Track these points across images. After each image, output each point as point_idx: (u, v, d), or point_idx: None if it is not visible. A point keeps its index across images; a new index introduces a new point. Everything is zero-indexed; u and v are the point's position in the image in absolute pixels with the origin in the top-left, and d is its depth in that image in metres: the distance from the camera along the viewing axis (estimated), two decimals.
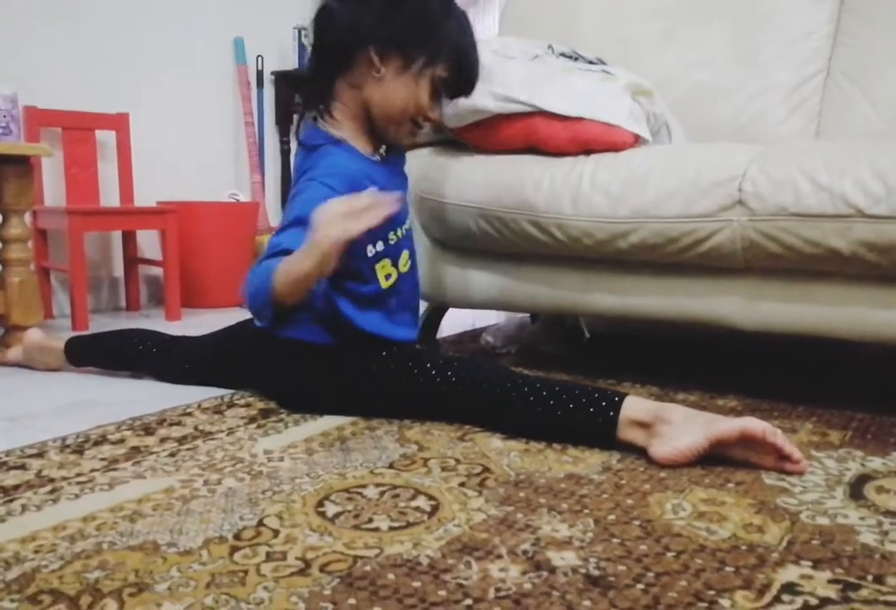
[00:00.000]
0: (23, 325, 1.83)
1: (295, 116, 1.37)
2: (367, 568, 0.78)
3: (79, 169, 2.52)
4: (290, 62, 3.11)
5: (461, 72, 1.32)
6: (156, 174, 2.74)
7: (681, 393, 1.49)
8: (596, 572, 0.77)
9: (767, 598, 0.73)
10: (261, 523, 0.89)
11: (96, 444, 1.19)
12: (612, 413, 1.13)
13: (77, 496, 0.98)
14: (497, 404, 1.22)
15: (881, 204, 1.20)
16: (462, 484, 1.01)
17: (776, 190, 1.28)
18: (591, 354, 1.98)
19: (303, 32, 2.97)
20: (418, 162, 1.66)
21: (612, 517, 0.91)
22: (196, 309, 2.65)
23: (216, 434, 1.23)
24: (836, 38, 1.80)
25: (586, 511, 0.93)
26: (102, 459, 1.11)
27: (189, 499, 0.96)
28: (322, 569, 0.78)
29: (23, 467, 1.08)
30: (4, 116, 1.81)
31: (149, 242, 2.71)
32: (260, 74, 3.09)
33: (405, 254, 1.38)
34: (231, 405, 1.40)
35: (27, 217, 1.95)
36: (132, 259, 2.66)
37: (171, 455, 1.13)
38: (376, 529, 0.87)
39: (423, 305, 1.78)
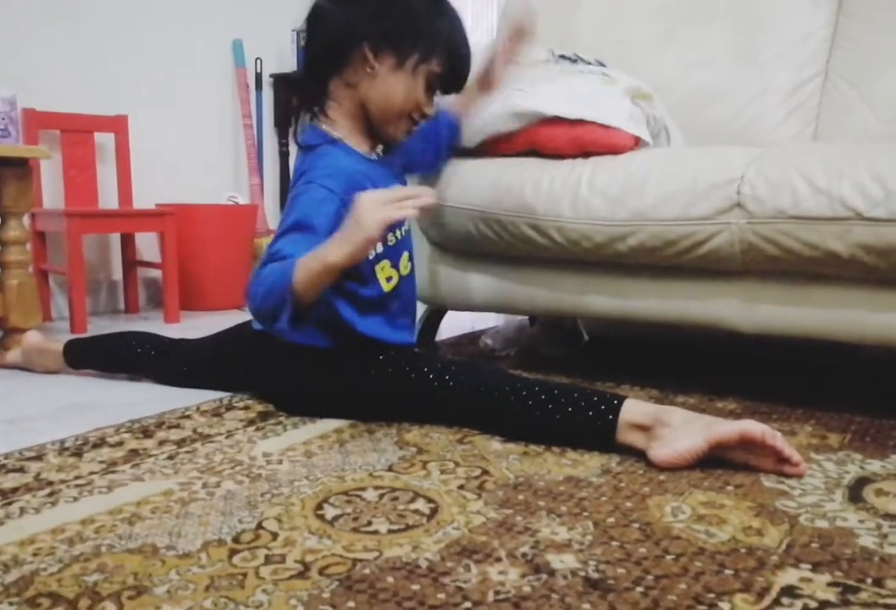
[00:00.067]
0: (21, 327, 1.83)
1: (293, 119, 1.37)
2: (367, 571, 0.78)
3: (77, 171, 2.52)
4: (289, 64, 3.11)
5: (455, 66, 1.32)
6: (154, 176, 2.74)
7: (680, 396, 1.49)
8: (595, 575, 0.77)
9: (767, 601, 0.73)
10: (260, 526, 0.89)
11: (95, 446, 1.19)
12: (611, 416, 1.13)
13: (76, 499, 0.98)
14: (495, 408, 1.22)
15: (879, 207, 1.20)
16: (461, 487, 1.01)
17: (774, 193, 1.28)
18: (590, 357, 1.98)
19: (301, 35, 2.97)
20: None
21: (611, 520, 0.91)
22: (195, 312, 2.65)
23: (215, 437, 1.23)
24: (834, 41, 1.81)
25: (585, 514, 0.93)
26: (101, 462, 1.11)
27: (188, 502, 0.96)
28: (321, 572, 0.78)
29: (21, 470, 1.08)
30: (3, 119, 1.81)
31: (147, 245, 2.71)
32: (259, 77, 3.09)
33: (405, 255, 1.38)
34: (230, 408, 1.40)
35: (26, 219, 1.95)
36: (131, 262, 2.66)
37: (170, 458, 1.13)
38: (375, 532, 0.87)
39: (421, 308, 1.78)
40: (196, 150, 2.92)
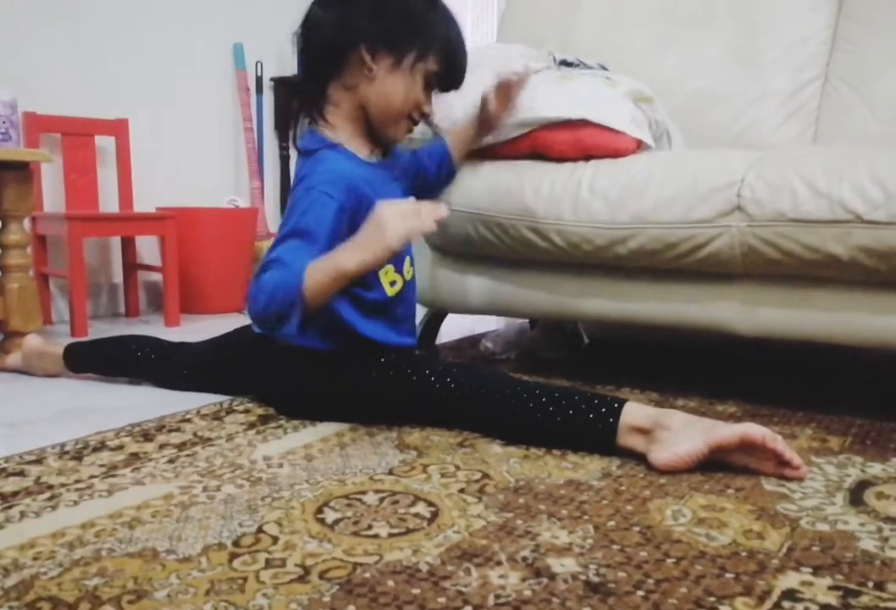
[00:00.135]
0: (22, 331, 1.83)
1: (293, 123, 1.37)
2: (367, 575, 0.78)
3: (78, 175, 2.52)
4: (290, 68, 3.11)
5: (452, 64, 1.32)
6: (155, 180, 2.74)
7: (680, 399, 1.49)
8: (596, 579, 0.77)
9: (768, 604, 0.73)
10: (260, 530, 0.89)
11: (95, 450, 1.18)
12: (611, 419, 1.13)
13: (76, 503, 0.97)
14: (496, 410, 1.22)
15: (880, 210, 1.20)
16: (461, 490, 1.01)
17: (774, 196, 1.28)
18: (590, 360, 1.98)
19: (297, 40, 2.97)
20: None
21: (611, 523, 0.91)
22: (195, 315, 2.65)
23: (215, 440, 1.23)
24: (833, 44, 1.81)
25: (586, 517, 0.93)
26: (101, 466, 1.11)
27: (188, 505, 0.96)
28: (321, 576, 0.78)
29: (21, 474, 1.08)
30: (4, 122, 1.81)
31: (148, 248, 2.71)
32: (259, 80, 3.09)
33: (408, 260, 1.38)
34: (230, 411, 1.40)
35: (26, 223, 1.95)
36: (131, 265, 2.66)
37: (170, 461, 1.13)
38: (376, 536, 0.87)
39: (421, 311, 1.78)
40: (197, 153, 2.92)
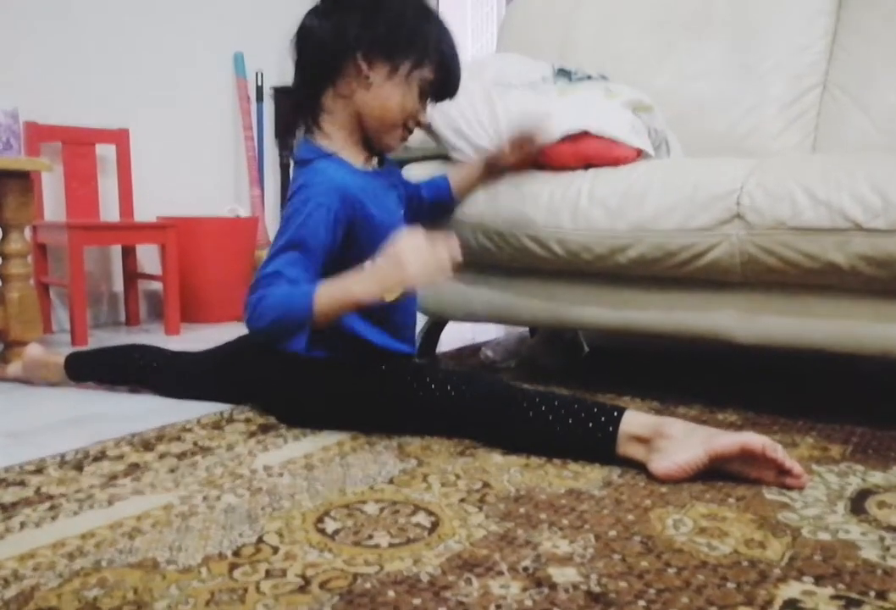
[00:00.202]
0: (22, 340, 1.83)
1: (291, 133, 1.38)
2: (367, 585, 0.78)
3: (79, 184, 2.52)
4: (290, 77, 3.10)
5: (447, 73, 1.32)
6: (156, 189, 2.75)
7: (681, 407, 1.49)
8: (597, 589, 0.77)
9: None
10: (260, 540, 0.89)
11: (95, 460, 1.18)
12: (611, 428, 1.13)
13: (76, 513, 0.97)
14: (496, 419, 1.22)
15: (879, 218, 1.20)
16: (462, 500, 1.01)
17: (774, 204, 1.29)
18: (590, 368, 1.98)
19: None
20: (419, 176, 1.67)
21: (612, 533, 0.91)
22: (196, 324, 2.65)
23: (216, 450, 1.23)
24: (832, 53, 1.81)
25: (587, 527, 0.92)
26: (102, 476, 1.11)
27: (188, 515, 0.96)
28: (322, 586, 0.78)
29: (22, 484, 1.08)
30: (5, 132, 1.82)
31: (148, 257, 2.71)
32: (259, 89, 3.10)
33: None
34: (231, 421, 1.40)
35: (27, 232, 1.95)
36: (132, 274, 2.66)
37: (171, 471, 1.13)
38: (376, 546, 0.87)
39: (421, 319, 1.78)
40: (197, 162, 2.93)
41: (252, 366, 1.42)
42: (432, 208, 1.55)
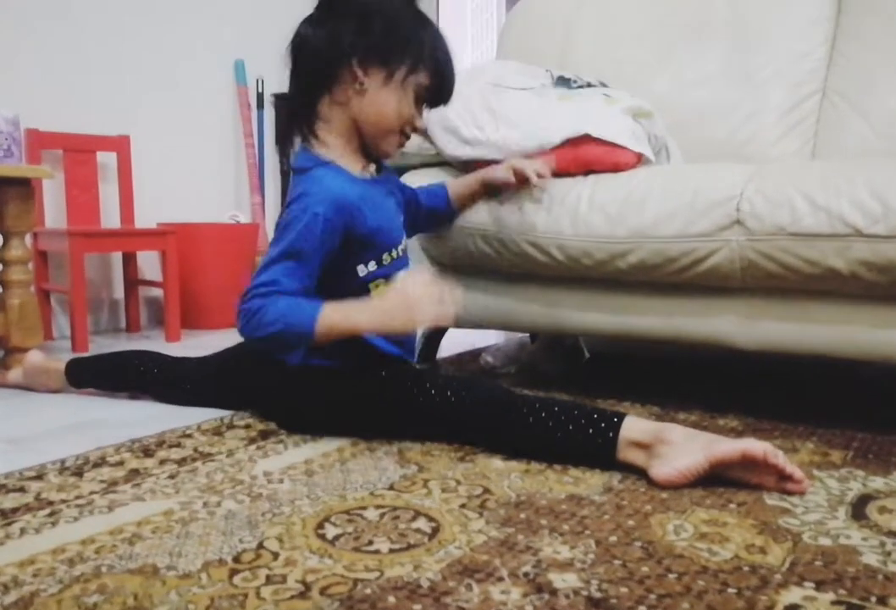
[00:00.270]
0: (23, 347, 1.83)
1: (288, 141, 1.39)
2: (368, 591, 0.78)
3: (80, 191, 2.53)
4: None
5: (441, 78, 1.32)
6: (156, 196, 2.75)
7: (681, 412, 1.48)
8: (598, 594, 0.77)
9: None
10: (260, 546, 0.88)
11: (96, 466, 1.18)
12: (611, 434, 1.13)
13: (76, 519, 0.97)
14: (496, 425, 1.22)
15: (879, 224, 1.21)
16: (463, 505, 1.01)
17: (774, 210, 1.29)
18: (591, 374, 1.98)
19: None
20: (419, 183, 1.67)
21: (613, 538, 0.90)
22: (196, 330, 2.65)
23: (216, 456, 1.23)
24: (831, 59, 1.82)
25: (587, 532, 0.92)
26: (102, 482, 1.11)
27: (188, 521, 0.96)
28: (322, 592, 0.77)
29: (22, 490, 1.08)
30: (6, 139, 1.82)
31: (149, 264, 2.71)
32: (260, 96, 3.11)
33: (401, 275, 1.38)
34: (231, 427, 1.40)
35: (28, 239, 1.95)
36: (132, 280, 2.66)
37: (171, 477, 1.13)
38: (377, 552, 0.87)
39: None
40: (198, 169, 2.94)
41: (252, 372, 1.42)
42: (429, 216, 1.55)
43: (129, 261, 2.65)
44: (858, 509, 1.00)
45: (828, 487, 1.08)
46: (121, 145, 2.61)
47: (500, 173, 1.48)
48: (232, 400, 1.50)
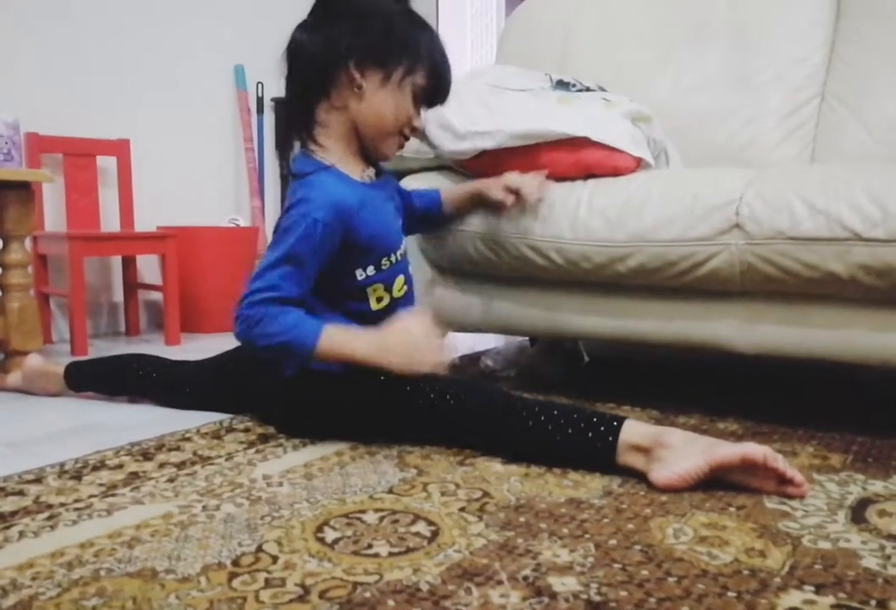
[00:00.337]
0: (22, 350, 1.83)
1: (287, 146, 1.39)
2: (367, 594, 0.77)
3: (79, 195, 2.53)
4: None
5: (438, 77, 1.32)
6: (156, 199, 2.75)
7: (681, 416, 1.48)
8: (597, 598, 0.77)
9: None
10: (259, 549, 0.88)
11: (95, 469, 1.18)
12: (610, 438, 1.13)
13: (75, 522, 0.97)
14: (495, 428, 1.22)
15: (878, 228, 1.21)
16: (462, 509, 1.01)
17: (773, 214, 1.29)
18: (590, 378, 1.98)
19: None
20: (417, 187, 1.67)
21: (613, 542, 0.90)
22: (196, 334, 2.65)
23: (215, 459, 1.23)
24: (830, 64, 1.82)
25: (587, 536, 0.92)
26: (101, 485, 1.11)
27: (187, 525, 0.96)
28: (321, 595, 0.77)
29: (21, 493, 1.08)
30: (6, 143, 1.82)
31: (149, 267, 2.72)
32: (260, 101, 3.12)
33: (399, 279, 1.38)
34: (230, 430, 1.39)
35: (27, 242, 1.95)
36: (132, 284, 2.66)
37: (170, 481, 1.13)
38: (376, 555, 0.87)
39: None
40: (198, 173, 2.94)
41: (251, 376, 1.42)
42: (422, 219, 1.56)
43: (129, 264, 2.65)
44: (858, 513, 1.00)
45: (827, 490, 1.08)
46: (121, 149, 2.61)
47: (494, 192, 1.49)
48: (231, 403, 1.50)
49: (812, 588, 0.79)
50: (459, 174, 1.66)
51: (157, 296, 2.69)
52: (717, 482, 1.07)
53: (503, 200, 1.48)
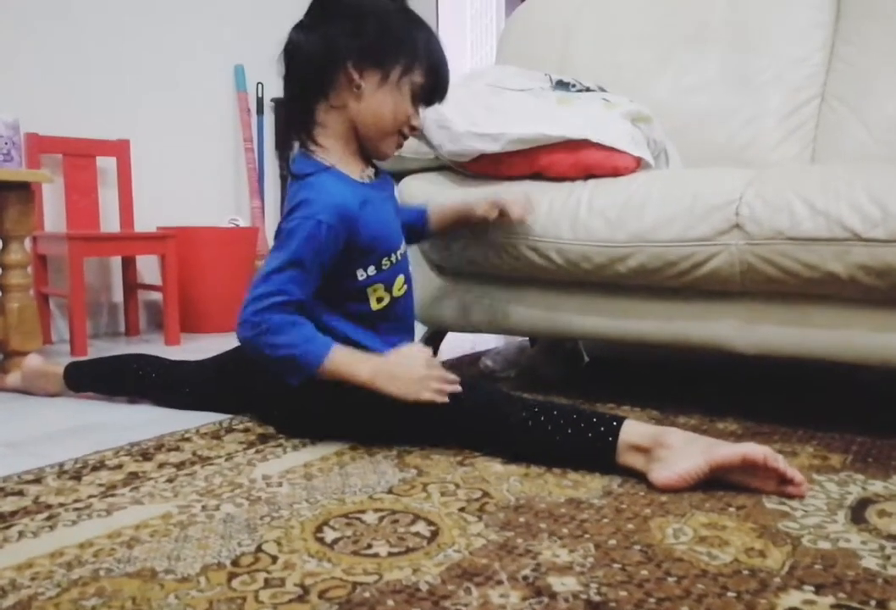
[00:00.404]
0: (22, 350, 1.83)
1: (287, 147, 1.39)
2: (367, 594, 0.77)
3: (79, 195, 2.53)
4: None
5: (436, 75, 1.32)
6: (156, 200, 2.75)
7: (681, 416, 1.48)
8: (597, 598, 0.77)
9: None
10: (259, 549, 0.88)
11: (94, 469, 1.18)
12: (610, 438, 1.13)
13: (74, 523, 0.97)
14: (495, 429, 1.22)
15: (878, 228, 1.21)
16: (462, 509, 1.01)
17: (773, 214, 1.29)
18: (590, 378, 1.98)
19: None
20: (418, 187, 1.67)
21: (612, 542, 0.90)
22: (195, 334, 2.65)
23: (214, 459, 1.23)
24: (830, 64, 1.82)
25: (587, 536, 0.92)
26: (100, 485, 1.11)
27: (187, 525, 0.96)
28: (321, 595, 0.77)
29: (20, 493, 1.07)
30: (6, 143, 1.82)
31: (148, 268, 2.72)
32: (260, 101, 3.12)
33: (400, 279, 1.38)
34: (230, 430, 1.39)
35: (27, 243, 1.95)
36: (132, 284, 2.66)
37: (170, 481, 1.12)
38: (375, 555, 0.87)
39: (422, 329, 1.78)
40: (197, 173, 2.94)
41: (251, 376, 1.41)
42: (406, 232, 1.55)
43: (129, 265, 2.65)
44: (858, 513, 1.00)
45: (827, 490, 1.08)
46: (120, 149, 2.61)
47: (480, 210, 1.50)
48: (231, 403, 1.50)
49: (812, 588, 0.79)
50: (459, 174, 1.66)
51: (156, 296, 2.69)
52: (716, 482, 1.07)
53: (487, 215, 1.49)
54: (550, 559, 0.85)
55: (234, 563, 0.85)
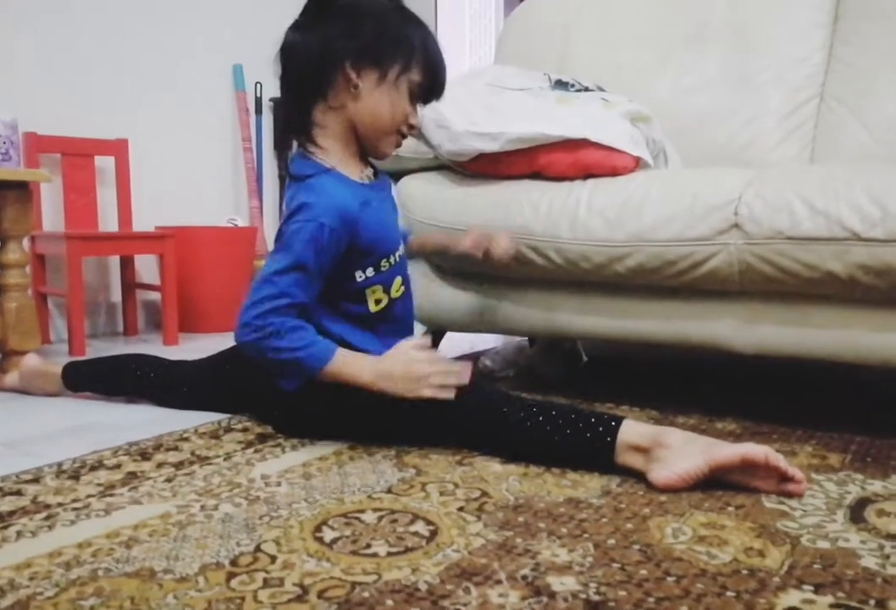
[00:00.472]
0: (20, 350, 1.82)
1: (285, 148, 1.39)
2: (366, 594, 0.77)
3: (78, 195, 2.53)
4: None
5: (433, 74, 1.32)
6: (154, 199, 2.75)
7: (680, 416, 1.48)
8: (596, 597, 0.77)
9: None
10: (258, 549, 0.88)
11: (93, 469, 1.18)
12: (609, 438, 1.13)
13: (73, 522, 0.97)
14: (494, 429, 1.21)
15: (877, 228, 1.21)
16: (461, 508, 1.01)
17: (772, 214, 1.29)
18: (589, 378, 1.97)
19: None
20: (417, 187, 1.67)
21: (611, 542, 0.90)
22: (194, 334, 2.65)
23: (213, 459, 1.22)
24: (829, 65, 1.82)
25: (586, 536, 0.92)
26: (99, 485, 1.11)
27: (186, 525, 0.96)
28: (320, 595, 0.77)
29: (18, 493, 1.07)
30: (4, 142, 1.82)
31: (147, 267, 2.71)
32: (258, 101, 3.12)
33: (398, 280, 1.38)
34: (228, 430, 1.39)
35: (25, 242, 1.95)
36: (130, 284, 2.66)
37: (168, 480, 1.12)
38: (374, 555, 0.86)
39: (421, 329, 1.78)
40: (196, 173, 2.94)
41: (249, 375, 1.41)
42: None
43: (127, 264, 2.65)
44: (857, 512, 1.00)
45: (826, 490, 1.08)
46: (119, 149, 2.61)
47: (463, 246, 1.51)
48: (229, 403, 1.50)
49: (811, 588, 0.79)
50: (458, 174, 1.66)
51: (155, 296, 2.68)
52: (715, 482, 1.07)
53: (471, 252, 1.50)
54: (549, 559, 0.85)
55: (233, 562, 0.85)
